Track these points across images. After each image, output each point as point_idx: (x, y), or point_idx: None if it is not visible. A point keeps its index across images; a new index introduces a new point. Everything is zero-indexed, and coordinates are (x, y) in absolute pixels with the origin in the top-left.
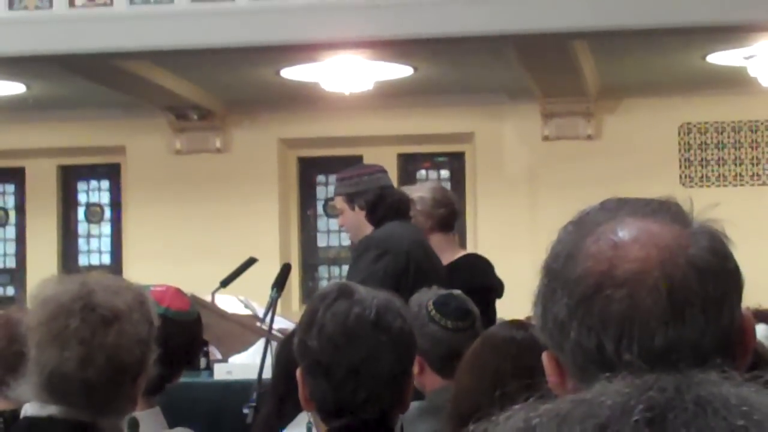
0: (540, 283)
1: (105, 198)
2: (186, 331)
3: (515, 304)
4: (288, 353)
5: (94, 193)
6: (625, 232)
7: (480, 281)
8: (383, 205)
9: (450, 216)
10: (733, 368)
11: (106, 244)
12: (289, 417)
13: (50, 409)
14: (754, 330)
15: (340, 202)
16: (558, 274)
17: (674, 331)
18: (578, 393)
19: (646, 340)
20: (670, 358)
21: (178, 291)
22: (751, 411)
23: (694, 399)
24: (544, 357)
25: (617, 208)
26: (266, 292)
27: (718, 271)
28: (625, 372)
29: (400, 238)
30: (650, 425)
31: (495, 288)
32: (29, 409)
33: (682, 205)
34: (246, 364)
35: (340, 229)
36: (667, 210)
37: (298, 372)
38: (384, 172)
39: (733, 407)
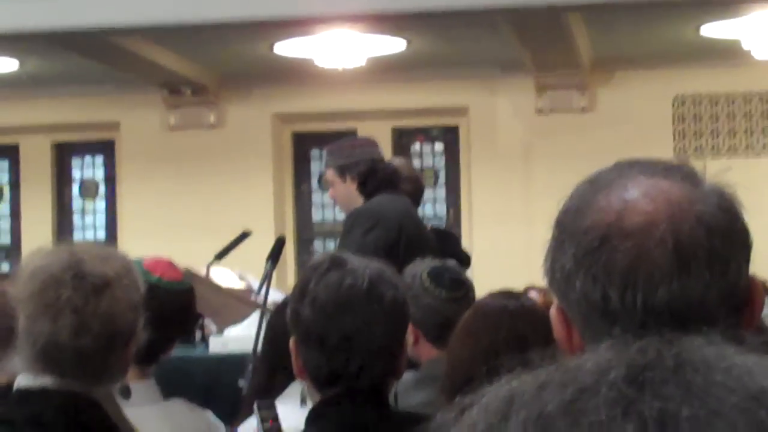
0: (550, 237)
1: (99, 174)
2: (179, 301)
3: (510, 273)
4: (279, 324)
5: (88, 169)
6: (635, 187)
7: (446, 255)
8: (375, 177)
9: (416, 191)
10: (737, 329)
11: (100, 219)
12: (281, 387)
13: (43, 380)
14: (763, 296)
15: (331, 175)
16: (567, 227)
17: (678, 284)
18: (565, 360)
19: (650, 292)
20: (673, 311)
21: (171, 262)
22: (730, 367)
23: (674, 358)
24: (552, 310)
25: (630, 167)
26: (261, 266)
27: (726, 228)
28: (615, 337)
29: (390, 210)
30: (627, 382)
31: (461, 260)
32: (22, 381)
33: (694, 167)
34: (241, 336)
35: (335, 203)
36: (678, 170)
37: (291, 342)
38: (375, 144)
39: (713, 365)
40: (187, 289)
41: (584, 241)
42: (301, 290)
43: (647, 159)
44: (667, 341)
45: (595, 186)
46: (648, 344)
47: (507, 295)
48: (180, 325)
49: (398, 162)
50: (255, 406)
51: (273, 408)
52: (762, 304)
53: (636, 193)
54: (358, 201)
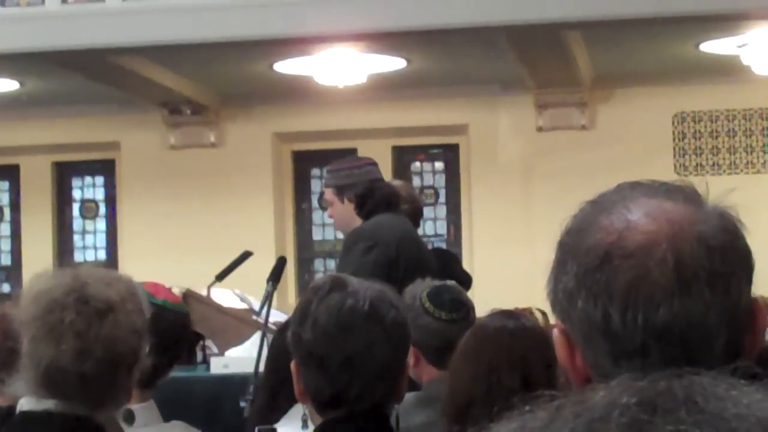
0: (553, 259)
1: (100, 194)
2: (182, 323)
3: (511, 293)
4: (280, 345)
5: (88, 189)
6: (637, 208)
7: (447, 276)
8: (372, 199)
9: (414, 212)
10: (738, 350)
11: (101, 239)
12: (282, 409)
13: (46, 404)
14: (765, 317)
15: (329, 194)
16: (569, 247)
17: (679, 304)
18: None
19: (651, 311)
20: (674, 331)
21: (166, 287)
22: (739, 398)
23: (684, 389)
24: (555, 331)
25: (632, 188)
26: (262, 286)
27: (727, 249)
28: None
29: (389, 230)
30: (639, 408)
31: (462, 281)
32: (25, 404)
33: (697, 188)
34: (242, 357)
35: (333, 223)
36: (681, 191)
37: (293, 364)
38: (374, 164)
39: (723, 396)
40: (187, 312)
41: (586, 260)
42: (301, 312)
43: (650, 180)
44: (677, 375)
45: (597, 207)
46: (658, 377)
47: (506, 314)
48: (182, 347)
49: (396, 183)
50: (256, 431)
51: None
52: (765, 325)
53: (638, 214)
54: (356, 221)
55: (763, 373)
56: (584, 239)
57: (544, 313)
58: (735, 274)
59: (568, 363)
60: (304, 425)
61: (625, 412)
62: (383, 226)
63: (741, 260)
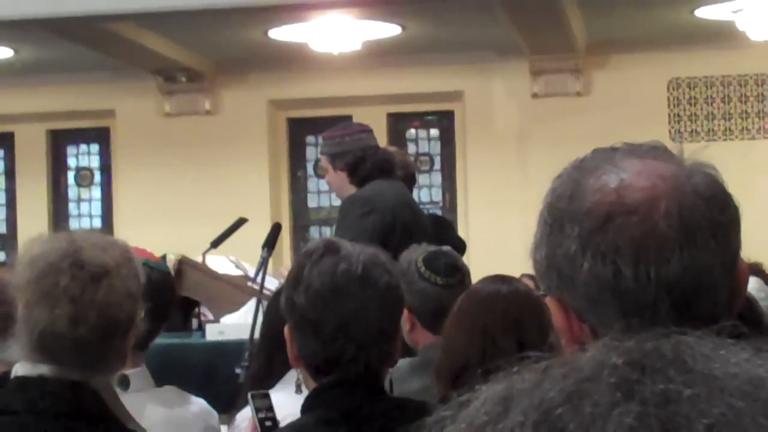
0: (541, 226)
1: (95, 162)
2: (166, 282)
3: (506, 259)
4: (276, 311)
5: (83, 157)
6: (626, 168)
7: (441, 242)
8: (363, 167)
9: (407, 178)
10: (734, 303)
11: (96, 207)
12: (278, 374)
13: (41, 369)
14: (747, 274)
15: (324, 162)
16: (564, 212)
17: (689, 255)
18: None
19: (662, 264)
20: (685, 283)
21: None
22: (727, 357)
23: (672, 349)
24: (549, 302)
25: (612, 151)
26: (257, 253)
27: (722, 200)
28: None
29: (385, 196)
30: (628, 367)
31: (457, 247)
32: (20, 369)
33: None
34: (238, 324)
35: (330, 190)
36: (659, 150)
37: (286, 329)
38: (368, 131)
39: (711, 356)
40: (168, 271)
41: (587, 221)
42: (295, 277)
43: (624, 143)
44: (664, 335)
45: (582, 171)
46: (645, 338)
47: (500, 279)
48: (168, 308)
49: (390, 150)
50: (249, 397)
51: (267, 398)
52: (747, 281)
53: (629, 173)
54: (350, 189)
55: (749, 332)
56: (579, 202)
57: (533, 278)
58: (732, 224)
59: (566, 331)
60: (298, 390)
61: (614, 372)
62: (378, 193)
63: (735, 211)
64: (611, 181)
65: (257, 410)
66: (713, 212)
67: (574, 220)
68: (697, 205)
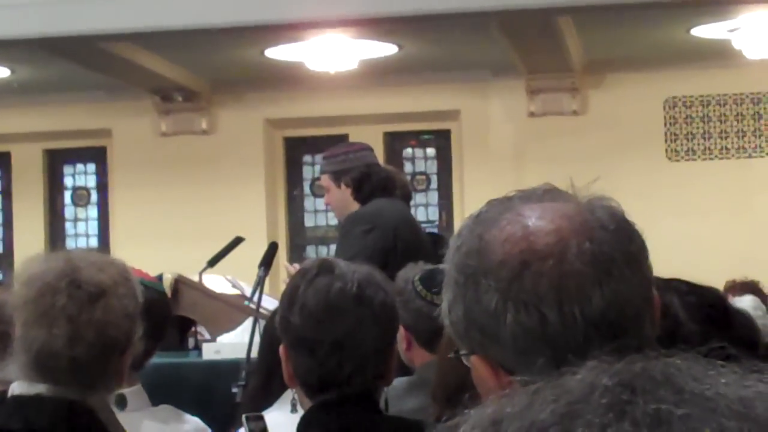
0: (452, 287)
1: (91, 181)
2: (161, 301)
3: None
4: (273, 330)
5: (80, 176)
6: (527, 214)
7: (440, 260)
8: (369, 183)
9: (403, 198)
10: (654, 325)
11: (93, 227)
12: (276, 393)
13: (38, 388)
14: (657, 298)
15: (326, 180)
16: (476, 268)
17: (609, 288)
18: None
19: (585, 302)
20: (610, 317)
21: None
22: (716, 378)
23: (661, 370)
24: (474, 362)
25: (506, 200)
26: (254, 272)
27: (628, 229)
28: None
29: (387, 214)
30: (619, 387)
31: None
32: (17, 388)
33: (560, 187)
34: (234, 343)
35: (327, 209)
36: (551, 192)
37: (282, 348)
38: (370, 149)
39: (699, 377)
40: (164, 291)
41: (503, 272)
42: (290, 297)
43: (512, 191)
44: (652, 357)
45: (484, 224)
46: (633, 359)
47: None
48: (164, 327)
49: (388, 169)
50: (243, 419)
51: (261, 420)
52: (659, 305)
53: (532, 218)
54: (353, 206)
55: (738, 354)
56: (490, 255)
57: None
58: (642, 251)
59: (496, 387)
60: (294, 409)
61: (605, 393)
62: (381, 210)
63: (641, 239)
64: (517, 229)
65: None
66: (623, 243)
67: (489, 273)
68: (606, 238)
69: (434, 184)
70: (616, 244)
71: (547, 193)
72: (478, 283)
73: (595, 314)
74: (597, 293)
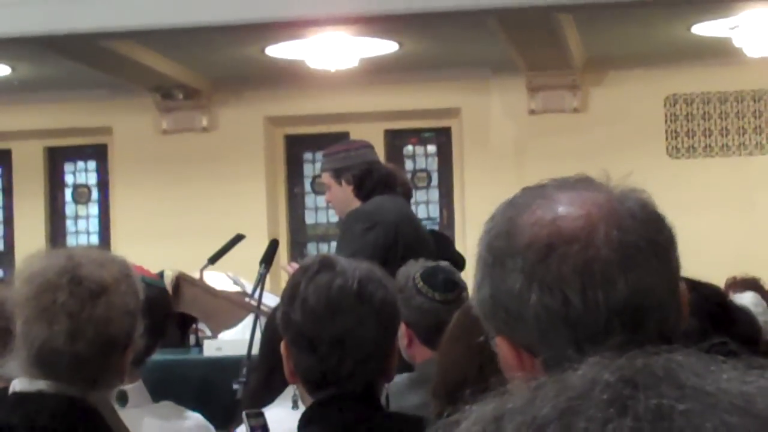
0: (481, 267)
1: (92, 179)
2: (162, 298)
3: None
4: (275, 326)
5: (81, 174)
6: (559, 200)
7: (442, 257)
8: (370, 180)
9: (404, 195)
10: (680, 322)
11: (94, 224)
12: (277, 390)
13: (39, 384)
14: (686, 291)
15: (327, 178)
16: (504, 250)
17: (633, 276)
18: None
19: (610, 287)
20: (633, 304)
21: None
22: (718, 375)
23: (663, 366)
24: (498, 344)
25: (540, 188)
26: (255, 269)
27: (657, 220)
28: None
29: (388, 211)
30: (621, 383)
31: (457, 262)
32: (18, 385)
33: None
34: (235, 340)
35: (328, 206)
36: (585, 181)
37: (283, 345)
38: (370, 147)
39: (701, 373)
40: (165, 288)
41: (529, 254)
42: (290, 293)
43: (547, 179)
44: (654, 353)
45: (515, 209)
46: (635, 355)
47: None
48: (164, 324)
49: (385, 166)
50: (243, 415)
51: (261, 416)
52: (686, 299)
53: (563, 204)
54: (354, 204)
55: (739, 350)
56: (518, 237)
57: None
58: (670, 243)
59: (517, 369)
60: (295, 406)
61: (606, 388)
62: (382, 208)
63: (670, 231)
64: (547, 213)
65: (252, 429)
66: (651, 233)
67: (516, 255)
68: (634, 227)
69: (435, 182)
70: (644, 233)
71: (580, 182)
72: (505, 264)
73: (618, 301)
74: (621, 280)
